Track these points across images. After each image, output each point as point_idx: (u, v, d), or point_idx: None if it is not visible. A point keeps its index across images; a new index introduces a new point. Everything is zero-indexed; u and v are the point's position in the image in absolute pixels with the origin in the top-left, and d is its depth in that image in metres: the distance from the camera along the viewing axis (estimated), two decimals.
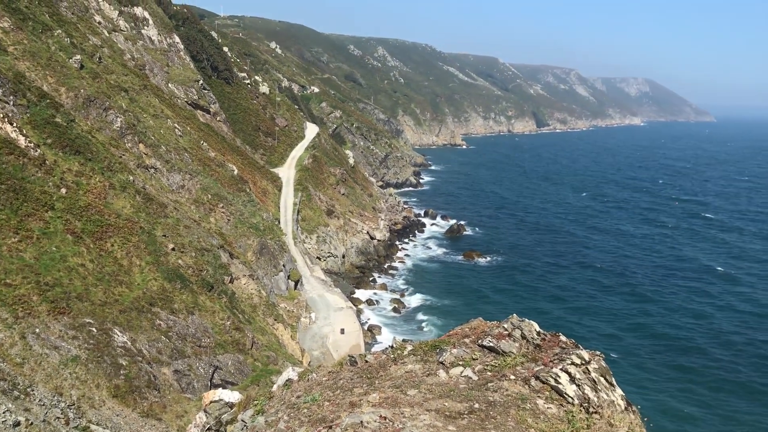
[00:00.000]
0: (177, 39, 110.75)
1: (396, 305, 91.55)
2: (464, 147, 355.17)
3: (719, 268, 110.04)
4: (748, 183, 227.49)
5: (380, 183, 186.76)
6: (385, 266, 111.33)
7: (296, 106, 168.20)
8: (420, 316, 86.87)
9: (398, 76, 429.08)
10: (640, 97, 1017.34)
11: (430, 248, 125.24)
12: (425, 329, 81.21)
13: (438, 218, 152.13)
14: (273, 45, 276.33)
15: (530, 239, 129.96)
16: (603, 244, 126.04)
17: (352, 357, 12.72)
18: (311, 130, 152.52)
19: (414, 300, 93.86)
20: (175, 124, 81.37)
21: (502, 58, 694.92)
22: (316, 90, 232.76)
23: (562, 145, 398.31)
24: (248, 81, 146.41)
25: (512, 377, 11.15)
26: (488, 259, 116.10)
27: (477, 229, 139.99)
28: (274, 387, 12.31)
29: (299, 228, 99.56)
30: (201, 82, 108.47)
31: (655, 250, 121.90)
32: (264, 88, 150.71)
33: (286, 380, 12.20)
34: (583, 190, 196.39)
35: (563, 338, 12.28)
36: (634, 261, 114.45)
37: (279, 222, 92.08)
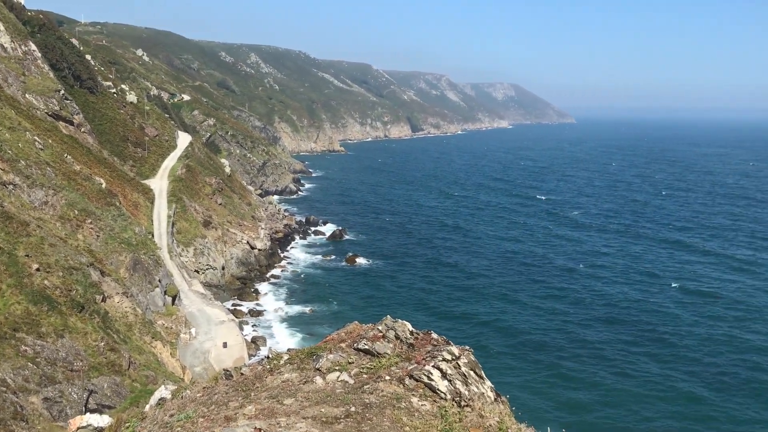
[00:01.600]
0: (33, 47, 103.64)
1: (279, 314, 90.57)
2: (343, 153, 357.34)
3: (578, 266, 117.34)
4: (606, 180, 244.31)
5: (259, 191, 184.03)
6: (268, 276, 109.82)
7: (167, 115, 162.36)
8: (305, 324, 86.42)
9: (273, 82, 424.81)
10: (507, 101, 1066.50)
11: (313, 255, 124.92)
12: (310, 336, 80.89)
13: (320, 224, 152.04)
14: (139, 52, 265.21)
15: (408, 241, 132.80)
16: (469, 245, 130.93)
17: (227, 371, 12.51)
18: (184, 139, 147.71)
19: (298, 308, 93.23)
20: (35, 137, 76.16)
21: (376, 65, 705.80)
22: (188, 98, 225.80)
23: (435, 149, 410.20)
24: (114, 90, 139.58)
25: (387, 378, 11.40)
26: (370, 262, 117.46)
27: (358, 233, 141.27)
28: (147, 407, 11.86)
29: (175, 241, 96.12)
30: (62, 92, 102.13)
31: (518, 249, 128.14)
32: (131, 97, 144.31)
33: (159, 399, 11.80)
34: (454, 192, 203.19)
35: (435, 336, 12.71)
36: (500, 260, 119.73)
37: (153, 236, 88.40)
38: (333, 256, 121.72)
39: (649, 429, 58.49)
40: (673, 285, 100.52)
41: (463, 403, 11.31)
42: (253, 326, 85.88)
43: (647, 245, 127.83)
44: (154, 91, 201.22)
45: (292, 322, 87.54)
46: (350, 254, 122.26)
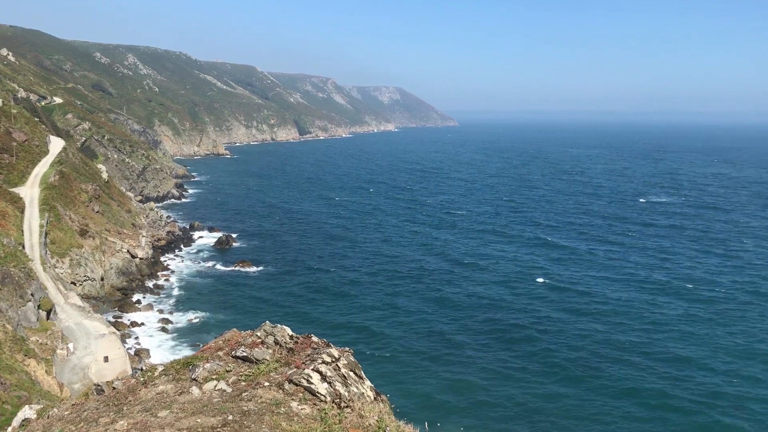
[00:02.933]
0: None
1: (164, 325, 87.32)
2: (228, 156, 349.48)
3: (464, 260, 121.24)
4: (485, 181, 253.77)
5: (139, 198, 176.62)
6: (151, 285, 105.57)
7: (37, 119, 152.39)
8: (190, 334, 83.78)
9: (152, 84, 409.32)
10: (393, 104, 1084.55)
11: (199, 262, 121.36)
12: (196, 346, 78.52)
13: (205, 230, 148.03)
14: (4, 52, 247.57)
15: (294, 247, 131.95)
16: (352, 250, 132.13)
17: (99, 386, 12.02)
18: (56, 144, 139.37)
19: (183, 317, 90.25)
20: None
21: (261, 67, 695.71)
22: (60, 100, 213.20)
23: (323, 152, 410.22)
24: None
25: (266, 384, 11.39)
26: (258, 268, 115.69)
27: (246, 238, 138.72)
28: (9, 429, 11.18)
29: (48, 252, 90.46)
30: None
31: (398, 253, 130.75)
32: None
33: (23, 420, 11.16)
34: (339, 196, 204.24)
35: (315, 339, 12.82)
36: (381, 264, 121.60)
37: (23, 247, 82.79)
38: (219, 263, 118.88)
39: (511, 419, 61.34)
40: (539, 280, 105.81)
41: (343, 405, 11.48)
42: (136, 339, 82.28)
43: (520, 244, 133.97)
44: (22, 94, 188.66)
45: (177, 332, 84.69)
46: (237, 261, 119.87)
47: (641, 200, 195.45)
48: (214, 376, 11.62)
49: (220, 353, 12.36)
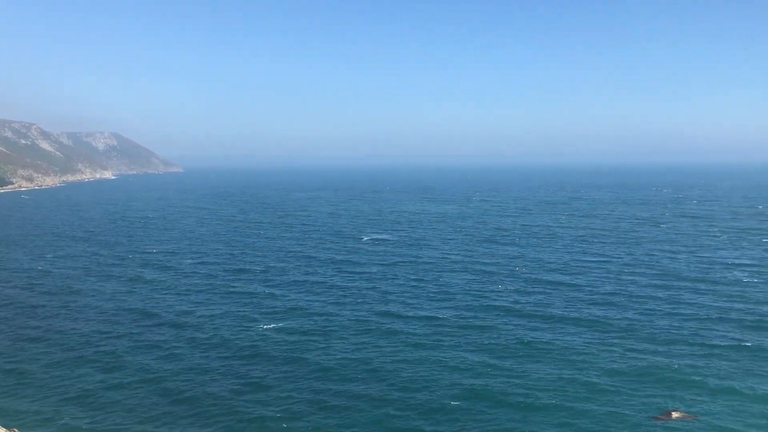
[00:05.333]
0: None
1: None
2: None
3: (185, 319, 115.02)
4: (210, 226, 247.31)
5: None
6: None
7: None
8: None
9: None
10: (109, 150, 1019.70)
11: None
12: None
13: None
14: None
15: None
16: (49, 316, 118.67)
17: None
18: None
19: None
20: None
21: None
22: None
23: (29, 204, 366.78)
24: None
25: None
26: None
27: None
28: None
29: None
30: None
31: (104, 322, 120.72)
32: None
33: None
34: (46, 253, 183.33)
35: None
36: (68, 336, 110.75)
37: None
38: None
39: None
40: (264, 326, 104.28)
41: None
42: None
43: (251, 287, 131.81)
44: None
45: None
46: None
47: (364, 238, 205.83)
48: None
49: None
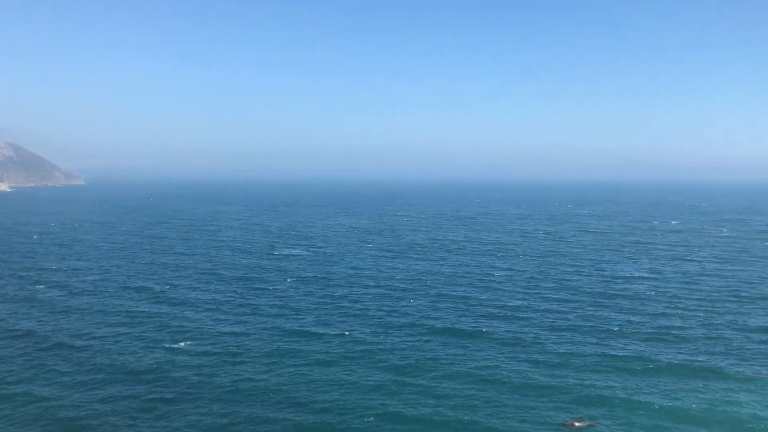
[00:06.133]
0: None
1: None
2: None
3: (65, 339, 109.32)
4: (115, 241, 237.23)
5: None
6: None
7: None
8: None
9: None
10: (5, 161, 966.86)
11: None
12: None
13: None
14: None
15: None
16: None
17: None
18: None
19: None
20: None
21: None
22: None
23: None
24: None
25: None
26: None
27: None
28: None
29: None
30: None
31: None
32: None
33: None
34: None
35: None
36: None
37: None
38: None
39: None
40: (169, 347, 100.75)
41: None
42: None
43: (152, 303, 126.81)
44: None
45: None
46: None
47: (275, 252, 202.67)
48: None
49: None
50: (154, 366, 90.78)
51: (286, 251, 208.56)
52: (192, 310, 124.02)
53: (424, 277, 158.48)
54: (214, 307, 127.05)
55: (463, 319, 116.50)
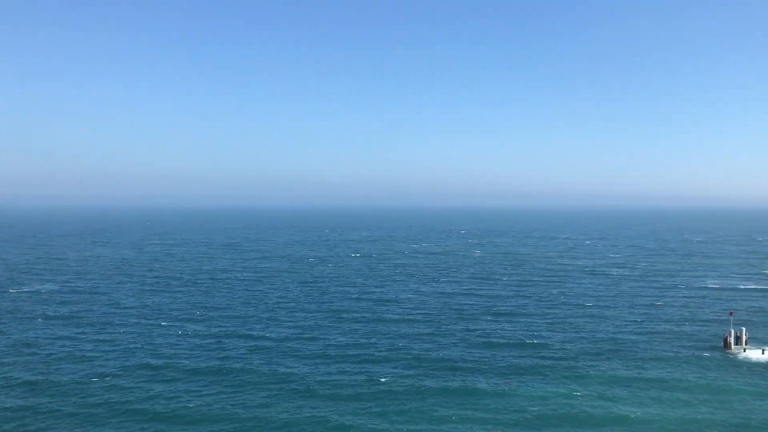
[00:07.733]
0: None
1: None
2: None
3: None
4: None
5: None
6: None
7: None
8: None
9: None
10: None
11: None
12: None
13: None
14: None
15: None
16: None
17: None
18: None
19: None
20: None
21: None
22: None
23: None
24: None
25: None
26: None
27: None
28: None
29: None
30: None
31: None
32: None
33: None
34: None
35: None
36: None
37: None
38: None
39: None
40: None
41: None
42: None
43: None
44: None
45: None
46: None
47: (11, 290, 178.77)
48: None
49: None
50: None
51: (36, 286, 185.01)
52: None
53: (193, 308, 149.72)
54: None
55: (230, 355, 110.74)
